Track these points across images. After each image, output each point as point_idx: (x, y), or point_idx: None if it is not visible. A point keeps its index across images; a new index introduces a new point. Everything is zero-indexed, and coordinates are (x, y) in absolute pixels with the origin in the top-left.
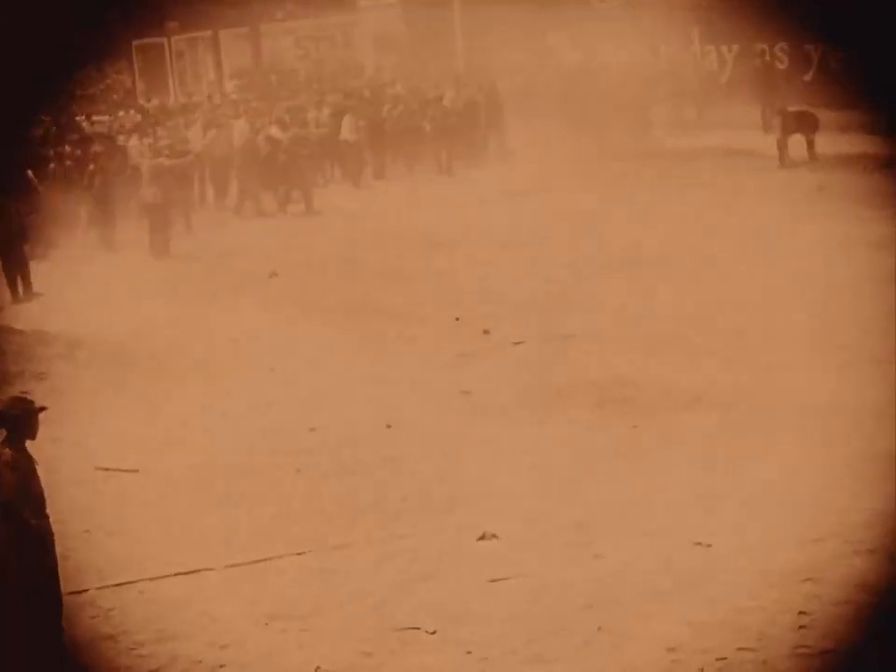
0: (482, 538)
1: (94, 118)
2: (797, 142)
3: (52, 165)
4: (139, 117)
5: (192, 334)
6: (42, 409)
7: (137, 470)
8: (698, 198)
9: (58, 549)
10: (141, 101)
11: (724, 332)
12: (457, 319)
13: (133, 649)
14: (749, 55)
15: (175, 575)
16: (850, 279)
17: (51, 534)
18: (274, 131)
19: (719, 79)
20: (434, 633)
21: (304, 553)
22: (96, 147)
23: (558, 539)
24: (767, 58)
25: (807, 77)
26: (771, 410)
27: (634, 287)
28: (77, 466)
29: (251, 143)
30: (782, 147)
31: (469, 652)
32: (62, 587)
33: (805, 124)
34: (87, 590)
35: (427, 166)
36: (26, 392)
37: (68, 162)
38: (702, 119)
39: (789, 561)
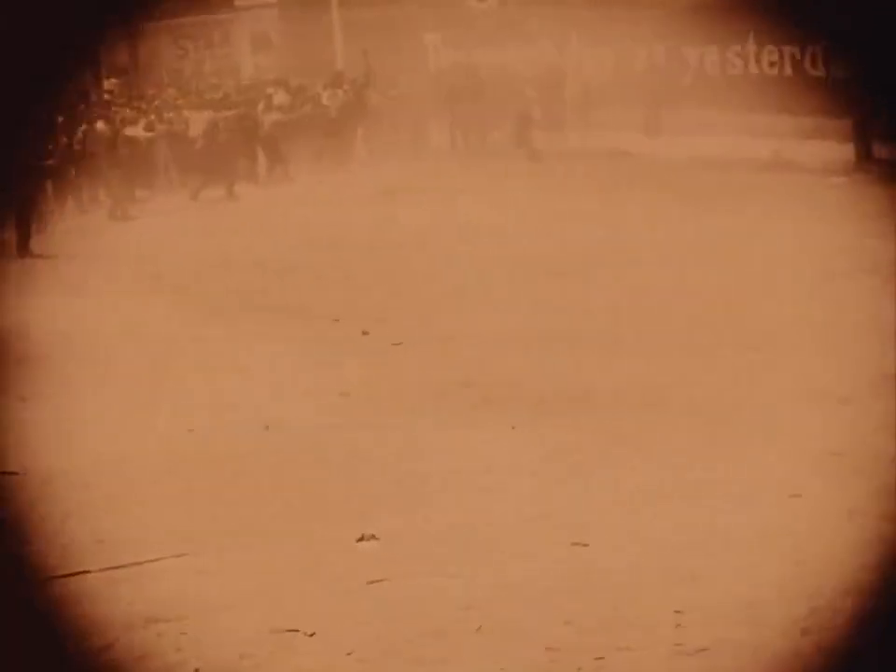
0: (361, 539)
1: None
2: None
3: None
4: None
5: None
6: None
7: (17, 473)
8: (575, 196)
9: None
10: None
11: (610, 330)
12: (337, 321)
13: None
14: (629, 58)
15: (52, 578)
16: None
17: None
18: (134, 130)
19: (600, 81)
20: (313, 635)
21: (183, 555)
22: None
23: (437, 540)
24: (650, 61)
25: (686, 80)
26: (656, 408)
27: (518, 285)
28: None
29: (111, 142)
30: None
31: (350, 654)
32: None
33: None
34: None
35: (304, 165)
36: None
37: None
38: (581, 120)
39: (668, 560)
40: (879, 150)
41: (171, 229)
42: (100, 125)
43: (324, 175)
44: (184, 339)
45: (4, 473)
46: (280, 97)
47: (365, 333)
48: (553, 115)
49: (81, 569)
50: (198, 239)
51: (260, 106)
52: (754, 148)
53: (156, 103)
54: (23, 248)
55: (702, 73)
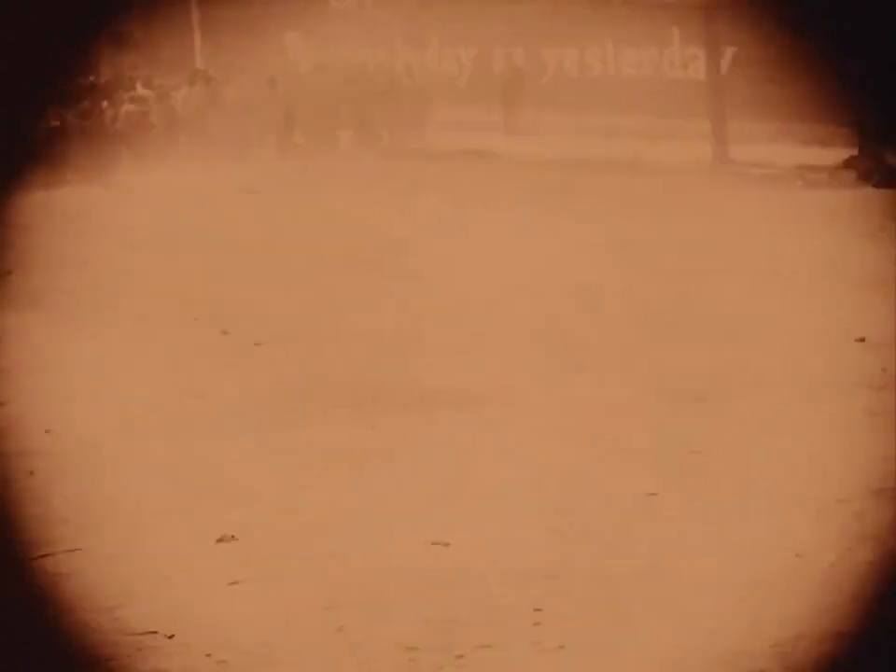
0: (221, 539)
1: None
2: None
3: None
4: None
5: None
6: None
7: None
8: (436, 197)
9: None
10: None
11: (471, 331)
12: (196, 319)
13: None
14: (488, 58)
15: None
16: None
17: None
18: None
19: (457, 82)
20: (172, 637)
21: (38, 557)
22: None
23: (297, 540)
24: (508, 61)
25: (544, 81)
26: (519, 408)
27: (377, 285)
28: None
29: None
30: None
31: (209, 655)
32: None
33: None
34: None
35: (152, 162)
36: None
37: None
38: (440, 121)
39: (529, 558)
40: (736, 151)
41: None
42: None
43: (173, 173)
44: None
45: None
46: (136, 92)
47: (224, 333)
48: (410, 114)
49: None
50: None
51: (105, 104)
52: (613, 149)
53: None
54: None
55: (561, 74)
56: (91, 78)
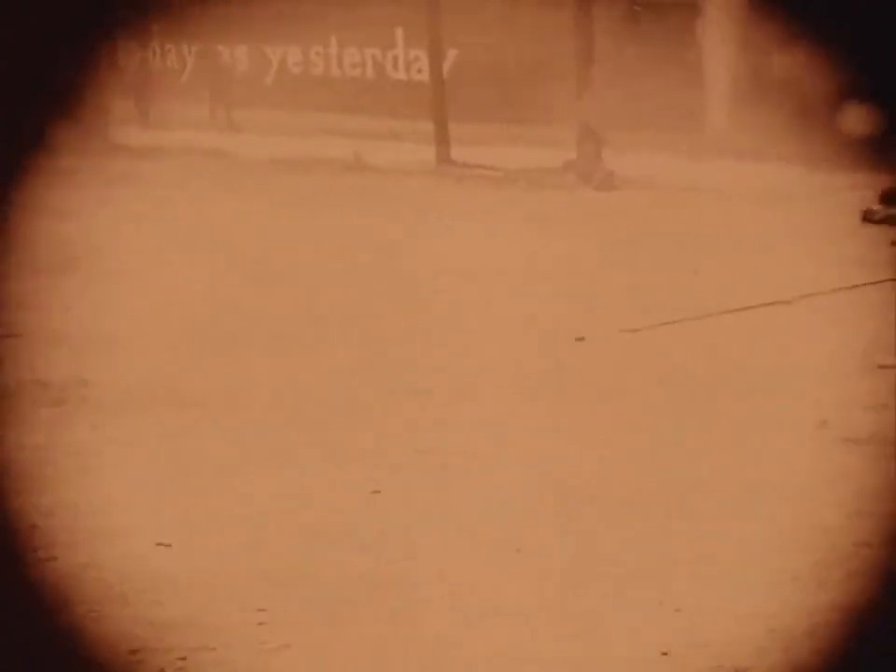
0: None
1: None
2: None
3: None
4: None
5: None
6: None
7: None
8: (166, 197)
9: None
10: None
11: (192, 332)
12: None
13: None
14: (212, 55)
15: None
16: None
17: None
18: None
19: (179, 78)
20: None
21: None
22: None
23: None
24: (220, 59)
25: (268, 80)
26: (246, 408)
27: (133, 286)
28: None
29: None
30: None
31: None
32: None
33: None
34: None
35: None
36: None
37: None
38: (159, 117)
39: (256, 558)
40: (459, 153)
41: None
42: None
43: None
44: None
45: None
46: None
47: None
48: (139, 111)
49: None
50: None
51: None
52: (337, 149)
53: None
54: None
55: (285, 72)
56: None
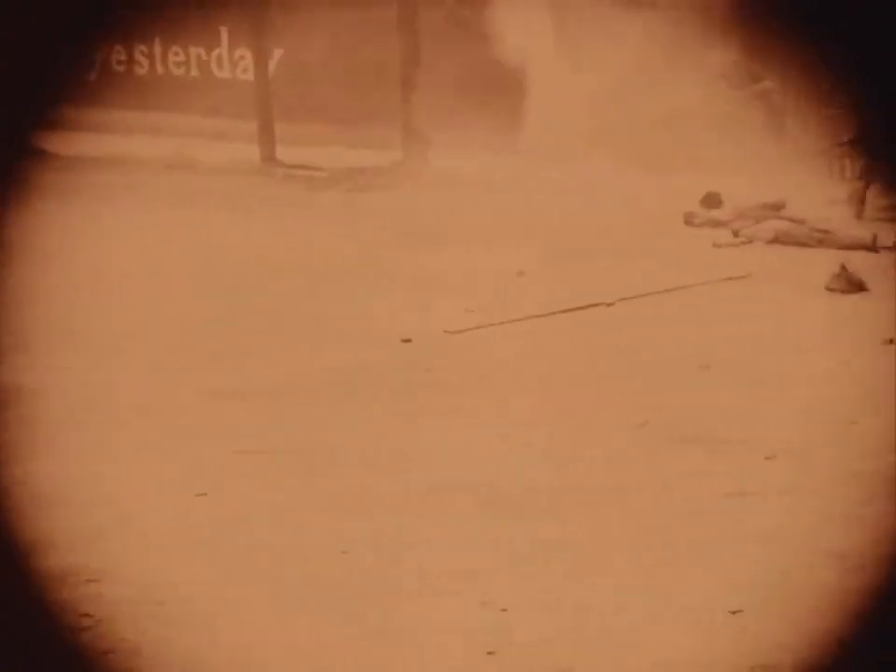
0: None
1: None
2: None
3: None
4: None
5: None
6: None
7: None
8: None
9: None
10: None
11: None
12: None
13: None
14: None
15: None
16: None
17: None
18: None
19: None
20: None
21: None
22: None
23: None
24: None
25: (93, 76)
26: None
27: None
28: None
29: None
30: None
31: None
32: None
33: None
34: None
35: None
36: None
37: None
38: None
39: (76, 559)
40: (283, 153)
41: None
42: None
43: None
44: None
45: None
46: None
47: None
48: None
49: None
50: None
51: None
52: (159, 148)
53: None
54: None
55: (108, 71)
56: None
